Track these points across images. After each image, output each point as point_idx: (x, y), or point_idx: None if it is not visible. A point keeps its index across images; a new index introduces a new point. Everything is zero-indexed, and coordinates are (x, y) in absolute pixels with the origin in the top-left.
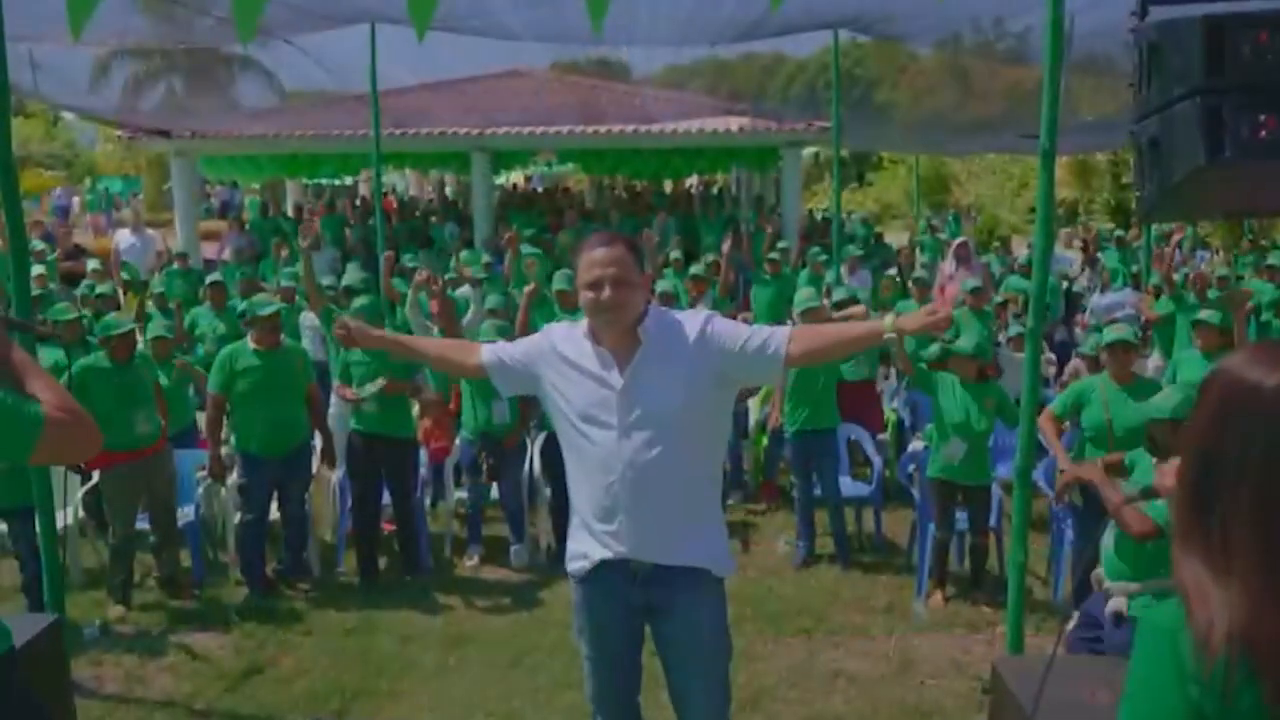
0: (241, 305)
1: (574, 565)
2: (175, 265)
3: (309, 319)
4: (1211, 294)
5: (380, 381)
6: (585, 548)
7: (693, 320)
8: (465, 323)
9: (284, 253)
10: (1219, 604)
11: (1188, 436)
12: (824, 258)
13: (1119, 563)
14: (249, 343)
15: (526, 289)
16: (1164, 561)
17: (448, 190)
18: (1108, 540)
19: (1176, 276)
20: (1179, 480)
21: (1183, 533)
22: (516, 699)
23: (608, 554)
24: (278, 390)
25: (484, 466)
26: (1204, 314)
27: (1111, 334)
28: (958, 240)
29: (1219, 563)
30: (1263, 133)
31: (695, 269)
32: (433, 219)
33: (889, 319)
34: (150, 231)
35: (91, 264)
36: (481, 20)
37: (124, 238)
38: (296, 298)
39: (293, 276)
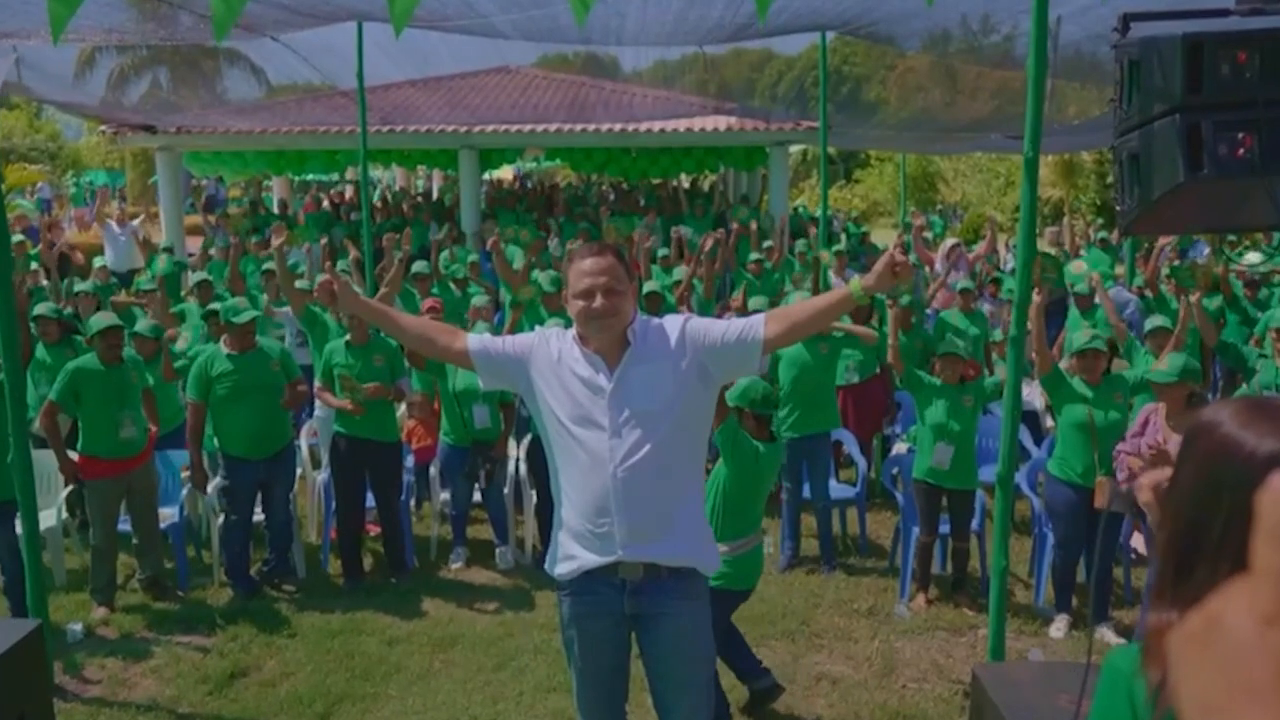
0: (214, 306)
1: (562, 567)
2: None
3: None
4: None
5: (347, 402)
6: (573, 551)
7: (672, 322)
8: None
9: (276, 245)
10: None
11: (1173, 495)
12: (805, 249)
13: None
14: (222, 346)
15: (514, 310)
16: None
17: (435, 187)
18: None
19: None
20: (1160, 533)
21: (1159, 587)
22: (502, 702)
23: (597, 559)
24: (256, 392)
25: (481, 471)
26: (1155, 320)
27: (1082, 340)
28: (949, 243)
29: None
30: (1241, 151)
31: (679, 271)
32: (421, 215)
33: (855, 281)
34: (134, 223)
35: (98, 262)
36: (469, 20)
37: (111, 231)
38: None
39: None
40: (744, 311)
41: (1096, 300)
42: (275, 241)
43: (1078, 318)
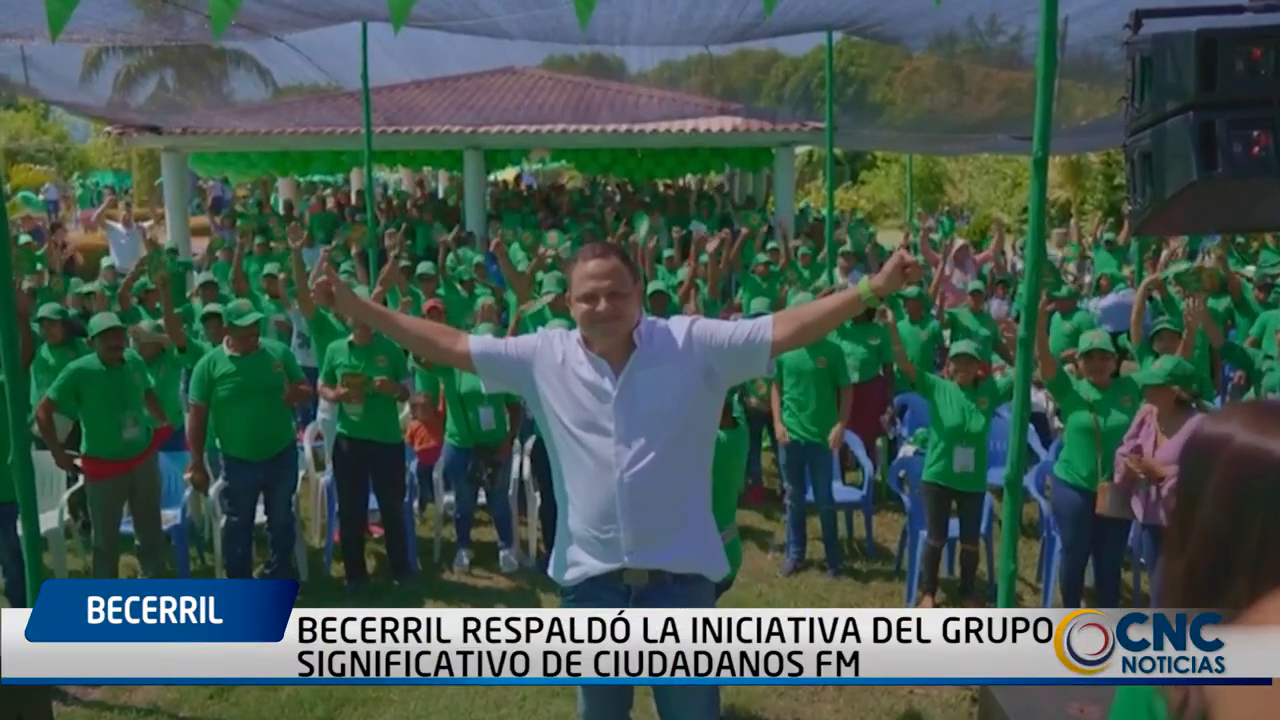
0: (214, 307)
1: (569, 574)
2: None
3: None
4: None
5: (342, 390)
6: (577, 557)
7: (679, 324)
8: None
9: (295, 246)
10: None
11: (1194, 513)
12: (809, 250)
13: None
14: (225, 348)
15: (518, 308)
16: None
17: (440, 188)
18: None
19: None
20: (1179, 554)
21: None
22: (505, 707)
23: (602, 565)
24: (257, 393)
25: (484, 475)
26: (1162, 320)
27: (1088, 342)
28: (957, 244)
29: None
30: (1256, 149)
31: (683, 272)
32: (424, 216)
33: (864, 281)
34: (144, 225)
35: (105, 263)
36: (474, 19)
37: (116, 233)
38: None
39: (281, 269)
40: (712, 300)
41: (1079, 305)
42: (294, 243)
43: (1059, 321)
